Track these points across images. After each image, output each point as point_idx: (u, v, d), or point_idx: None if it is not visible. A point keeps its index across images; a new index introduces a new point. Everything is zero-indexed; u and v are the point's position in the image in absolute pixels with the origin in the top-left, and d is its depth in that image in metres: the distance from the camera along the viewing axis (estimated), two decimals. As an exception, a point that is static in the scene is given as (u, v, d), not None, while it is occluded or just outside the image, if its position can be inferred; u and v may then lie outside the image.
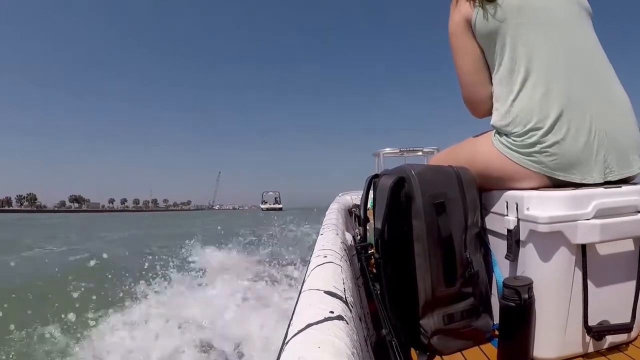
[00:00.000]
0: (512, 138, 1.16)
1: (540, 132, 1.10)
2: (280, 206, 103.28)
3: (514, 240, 1.11)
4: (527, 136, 1.12)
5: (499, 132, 1.21)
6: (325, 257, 0.95)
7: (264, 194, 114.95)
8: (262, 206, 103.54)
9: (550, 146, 1.10)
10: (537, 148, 1.11)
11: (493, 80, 1.26)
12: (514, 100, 1.16)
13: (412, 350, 1.18)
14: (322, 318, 0.54)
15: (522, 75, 1.15)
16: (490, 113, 1.27)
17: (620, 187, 1.08)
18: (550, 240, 1.02)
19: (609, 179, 1.12)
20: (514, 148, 1.15)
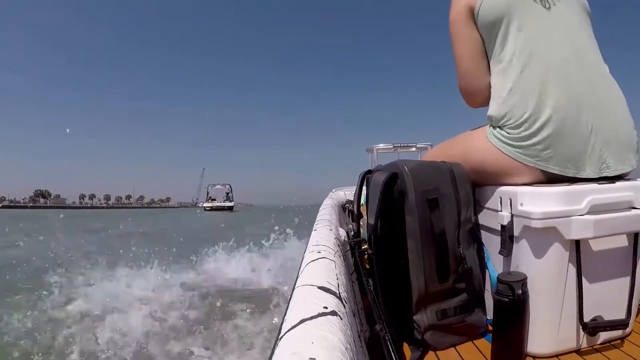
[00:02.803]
0: (507, 130, 1.16)
1: (535, 125, 1.11)
2: (230, 204, 75.05)
3: (507, 236, 1.11)
4: (522, 128, 1.12)
5: (494, 126, 1.21)
6: (319, 252, 0.94)
7: (210, 187, 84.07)
8: (205, 204, 75.42)
9: (544, 139, 1.10)
10: (531, 141, 1.11)
11: (492, 71, 1.26)
12: (510, 91, 1.16)
13: (406, 346, 1.18)
14: (316, 313, 0.54)
15: (521, 66, 1.16)
16: (486, 103, 1.28)
17: (614, 182, 1.09)
18: (544, 235, 1.03)
19: (604, 174, 1.12)
20: (508, 141, 1.15)
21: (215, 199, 79.27)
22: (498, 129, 1.19)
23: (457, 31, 1.29)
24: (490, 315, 1.17)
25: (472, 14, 1.23)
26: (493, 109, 1.21)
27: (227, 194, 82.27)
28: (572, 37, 1.18)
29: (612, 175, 1.13)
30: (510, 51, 1.18)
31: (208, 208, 70.86)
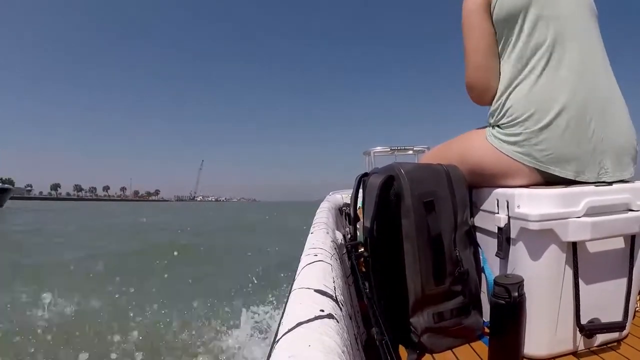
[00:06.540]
0: (508, 129, 1.15)
1: (539, 125, 1.10)
2: None
3: (504, 238, 1.11)
4: (524, 127, 1.12)
5: (493, 126, 1.21)
6: (316, 255, 0.94)
7: None
8: None
9: (547, 139, 1.10)
10: (532, 140, 1.11)
11: (500, 68, 1.23)
12: (516, 88, 1.16)
13: (403, 348, 1.18)
14: (313, 316, 0.53)
15: (531, 66, 1.15)
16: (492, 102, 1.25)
17: (612, 185, 1.09)
18: (541, 238, 1.02)
19: (603, 179, 1.12)
20: (508, 141, 1.15)
21: None
22: (498, 129, 1.18)
23: (472, 22, 1.25)
24: (487, 317, 1.17)
25: (489, 6, 1.21)
26: (497, 104, 1.20)
27: None
28: (582, 42, 1.17)
29: (610, 180, 1.13)
30: (521, 49, 1.17)
31: None
